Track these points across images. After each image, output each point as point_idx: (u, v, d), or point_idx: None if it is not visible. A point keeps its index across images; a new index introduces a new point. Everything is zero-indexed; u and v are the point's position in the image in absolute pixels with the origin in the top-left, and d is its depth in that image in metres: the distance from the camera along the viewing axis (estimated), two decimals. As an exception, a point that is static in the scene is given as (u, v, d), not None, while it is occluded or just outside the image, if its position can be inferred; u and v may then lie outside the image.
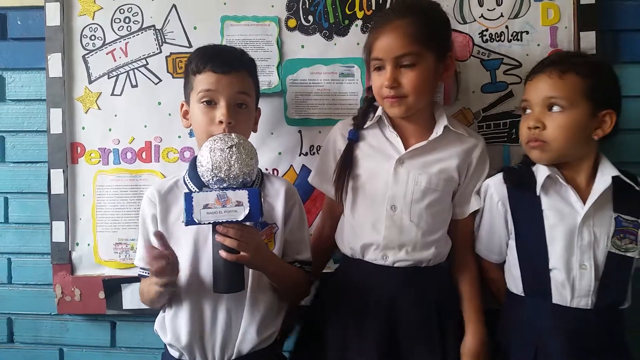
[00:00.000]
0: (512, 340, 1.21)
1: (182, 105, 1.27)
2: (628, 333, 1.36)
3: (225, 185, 1.07)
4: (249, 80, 1.24)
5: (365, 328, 1.20)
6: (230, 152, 1.06)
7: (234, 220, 1.05)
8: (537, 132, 1.15)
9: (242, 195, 1.05)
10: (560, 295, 1.15)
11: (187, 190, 1.21)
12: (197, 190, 1.19)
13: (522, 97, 1.23)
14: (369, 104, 1.31)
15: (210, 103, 1.18)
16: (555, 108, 1.14)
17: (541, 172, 1.19)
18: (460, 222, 1.29)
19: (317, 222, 1.42)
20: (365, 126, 1.28)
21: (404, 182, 1.22)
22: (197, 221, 1.04)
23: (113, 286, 1.47)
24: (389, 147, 1.26)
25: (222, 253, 1.06)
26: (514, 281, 1.23)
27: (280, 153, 1.45)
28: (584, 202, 1.16)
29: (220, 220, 1.05)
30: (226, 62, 1.19)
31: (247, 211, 1.04)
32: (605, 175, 1.16)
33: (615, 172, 1.16)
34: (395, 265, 1.22)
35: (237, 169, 1.06)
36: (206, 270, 1.17)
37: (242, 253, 1.06)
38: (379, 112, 1.28)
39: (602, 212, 1.16)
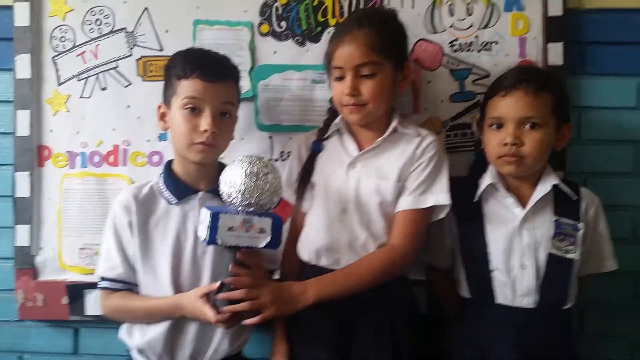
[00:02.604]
0: (462, 343, 1.24)
1: (160, 107, 1.25)
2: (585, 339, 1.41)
3: (251, 209, 1.06)
4: (235, 89, 1.24)
5: (319, 335, 1.19)
6: (265, 180, 1.06)
7: (255, 246, 1.06)
8: (515, 149, 1.19)
9: (267, 222, 1.06)
10: (504, 295, 1.20)
11: (164, 199, 1.21)
12: (176, 199, 1.21)
13: (492, 114, 1.23)
14: (332, 114, 1.31)
15: (195, 110, 1.17)
16: (531, 126, 1.19)
17: (485, 181, 1.25)
18: (399, 214, 1.20)
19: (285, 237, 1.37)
20: (326, 135, 1.30)
21: (353, 186, 1.22)
22: (219, 242, 1.04)
23: (77, 292, 1.45)
24: (344, 152, 1.27)
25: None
26: (462, 285, 1.27)
27: (250, 158, 1.45)
28: (524, 208, 1.22)
29: (242, 245, 1.05)
30: (216, 71, 1.18)
31: (268, 239, 1.06)
32: (547, 183, 1.23)
33: (556, 181, 1.23)
34: None
35: (267, 197, 1.06)
36: (185, 278, 1.18)
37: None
38: (337, 120, 1.28)
39: (542, 216, 1.22)
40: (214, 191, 1.19)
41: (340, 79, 1.22)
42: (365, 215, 1.21)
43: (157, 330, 1.16)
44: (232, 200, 1.07)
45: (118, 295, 1.21)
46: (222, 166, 1.26)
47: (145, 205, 1.21)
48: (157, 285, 1.18)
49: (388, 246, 1.20)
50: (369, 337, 1.19)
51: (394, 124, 1.24)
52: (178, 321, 1.17)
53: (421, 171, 1.21)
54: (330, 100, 1.33)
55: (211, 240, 1.03)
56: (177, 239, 1.18)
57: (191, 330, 1.17)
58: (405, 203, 1.20)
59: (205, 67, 1.17)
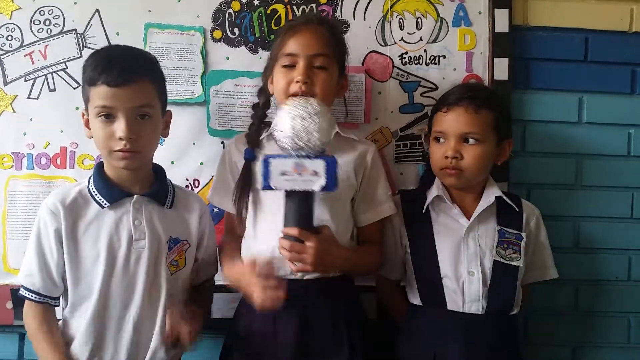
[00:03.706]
0: (413, 349, 1.27)
1: (83, 114, 1.18)
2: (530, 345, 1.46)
3: (303, 153, 1.06)
4: (151, 88, 1.14)
5: (277, 347, 1.18)
6: (312, 121, 1.06)
7: (310, 189, 1.06)
8: (455, 162, 1.23)
9: (319, 164, 1.06)
10: (454, 301, 1.24)
11: (96, 203, 1.15)
12: (109, 203, 1.15)
13: (435, 128, 1.28)
14: (261, 117, 1.30)
15: (109, 117, 1.10)
16: (471, 141, 1.24)
17: (432, 193, 1.30)
18: (365, 230, 1.28)
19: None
20: (261, 137, 1.28)
21: None
22: (274, 187, 1.06)
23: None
24: None
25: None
26: (413, 293, 1.30)
27: (202, 163, 1.44)
28: (469, 218, 1.27)
29: (296, 189, 1.06)
30: (121, 74, 1.08)
31: (323, 182, 1.06)
32: (490, 195, 1.28)
33: (499, 193, 1.28)
34: (305, 277, 1.20)
35: (316, 138, 1.05)
36: (116, 285, 1.13)
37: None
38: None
39: (486, 225, 1.27)
40: (151, 195, 1.17)
41: (290, 67, 1.20)
42: (315, 221, 1.18)
43: (84, 338, 1.13)
44: (284, 146, 1.08)
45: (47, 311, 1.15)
46: (157, 167, 1.24)
47: (73, 210, 1.13)
48: (88, 293, 1.13)
49: (376, 245, 1.29)
50: (327, 341, 1.19)
51: (335, 128, 1.21)
52: (107, 329, 1.13)
53: (375, 184, 1.28)
54: (259, 93, 1.32)
55: (265, 185, 1.06)
56: (109, 244, 1.13)
57: (124, 339, 1.13)
58: (367, 218, 1.27)
59: (110, 71, 1.08)
